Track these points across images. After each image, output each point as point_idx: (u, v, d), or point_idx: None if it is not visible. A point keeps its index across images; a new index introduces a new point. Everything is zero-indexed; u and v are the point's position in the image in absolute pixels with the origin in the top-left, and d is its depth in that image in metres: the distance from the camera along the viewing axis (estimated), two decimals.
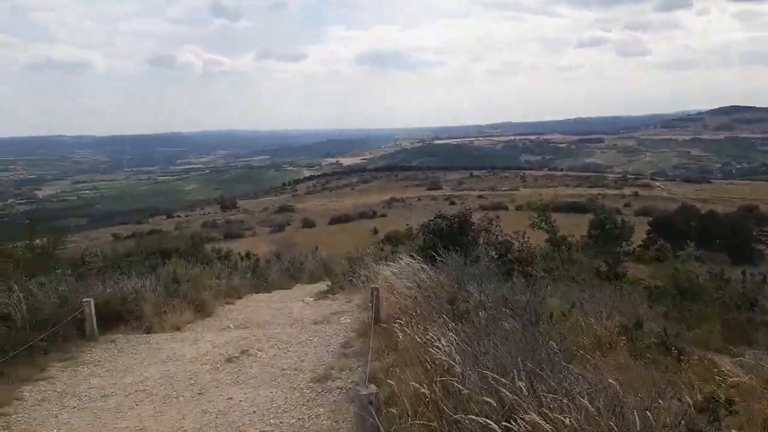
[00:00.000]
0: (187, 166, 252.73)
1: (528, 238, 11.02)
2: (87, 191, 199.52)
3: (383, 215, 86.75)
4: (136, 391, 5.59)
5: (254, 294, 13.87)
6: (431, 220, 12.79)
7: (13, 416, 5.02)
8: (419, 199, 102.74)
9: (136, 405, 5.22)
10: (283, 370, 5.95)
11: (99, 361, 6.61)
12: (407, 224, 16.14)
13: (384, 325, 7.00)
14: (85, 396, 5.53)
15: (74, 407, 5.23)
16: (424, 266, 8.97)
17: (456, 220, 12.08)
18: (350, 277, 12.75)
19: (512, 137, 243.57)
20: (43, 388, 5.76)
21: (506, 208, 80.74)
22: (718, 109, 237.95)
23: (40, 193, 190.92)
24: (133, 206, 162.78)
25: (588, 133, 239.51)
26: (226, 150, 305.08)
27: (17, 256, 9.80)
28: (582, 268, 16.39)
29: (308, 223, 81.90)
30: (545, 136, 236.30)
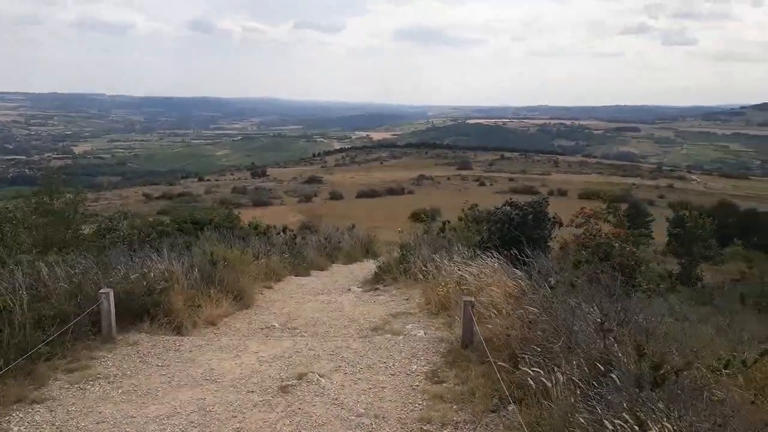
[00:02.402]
0: (219, 132, 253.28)
1: (628, 238, 9.19)
2: (121, 150, 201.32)
3: (410, 192, 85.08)
4: None
5: (293, 276, 12.42)
6: (498, 208, 10.95)
7: None
8: (448, 179, 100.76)
9: None
10: (359, 416, 4.31)
11: (115, 375, 5.06)
12: (465, 204, 14.34)
13: (477, 352, 5.35)
14: None
15: None
16: (515, 270, 7.26)
17: (530, 210, 10.24)
18: (403, 266, 11.11)
19: (547, 121, 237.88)
20: (38, 418, 4.23)
21: (537, 192, 78.50)
22: (762, 104, 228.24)
23: (76, 149, 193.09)
24: (165, 167, 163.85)
25: (625, 121, 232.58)
26: (259, 118, 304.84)
27: (30, 223, 8.29)
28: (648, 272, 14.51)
29: (336, 196, 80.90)
30: (581, 122, 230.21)
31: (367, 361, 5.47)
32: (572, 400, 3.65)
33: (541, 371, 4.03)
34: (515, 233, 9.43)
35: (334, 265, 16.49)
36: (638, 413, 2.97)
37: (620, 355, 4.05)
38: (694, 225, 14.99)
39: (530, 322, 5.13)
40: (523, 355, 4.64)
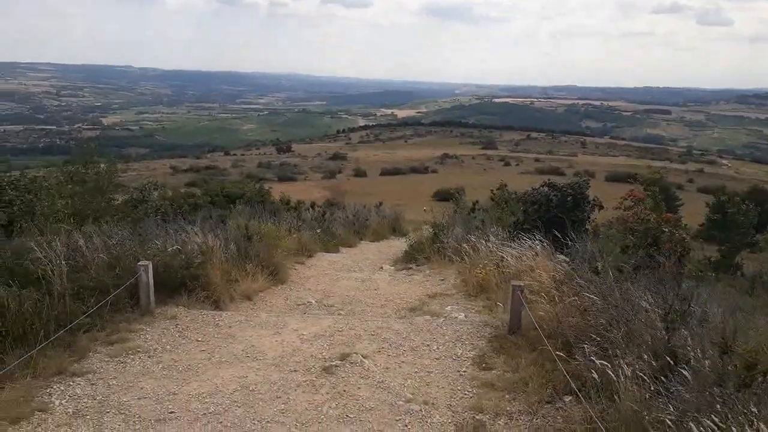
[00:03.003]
0: (245, 106, 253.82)
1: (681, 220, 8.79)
2: (149, 122, 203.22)
3: (434, 171, 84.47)
4: (204, 414, 3.88)
5: (325, 253, 12.28)
6: (536, 189, 10.61)
7: None
8: (473, 158, 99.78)
9: None
10: (408, 401, 4.12)
11: (155, 349, 4.94)
12: (501, 184, 13.99)
13: (525, 339, 5.11)
14: (134, 413, 3.86)
15: None
16: (558, 254, 6.98)
17: (570, 192, 9.89)
18: (437, 245, 10.87)
19: (575, 101, 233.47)
20: (78, 391, 4.12)
21: (563, 173, 77.23)
22: None
23: (105, 121, 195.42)
24: (192, 140, 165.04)
25: (655, 103, 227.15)
26: (285, 93, 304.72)
27: (65, 192, 8.21)
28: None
29: (360, 173, 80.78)
30: (609, 103, 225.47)
31: (410, 343, 5.27)
32: (645, 395, 3.40)
33: (606, 362, 3.77)
34: (556, 214, 9.11)
35: (362, 242, 16.37)
36: (728, 415, 2.70)
37: (690, 348, 3.78)
38: (736, 211, 14.42)
39: (584, 309, 4.87)
40: (580, 344, 4.40)
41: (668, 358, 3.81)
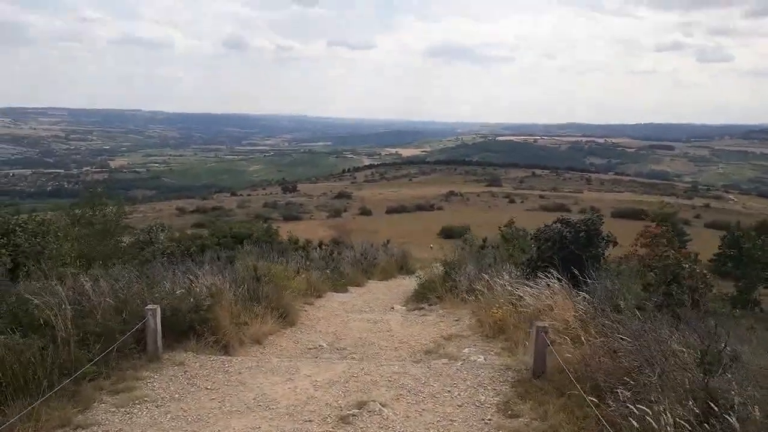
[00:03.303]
0: (251, 147, 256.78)
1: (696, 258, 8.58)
2: (156, 164, 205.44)
3: (440, 208, 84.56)
4: None
5: (334, 293, 12.08)
6: (548, 226, 10.42)
7: None
8: (478, 195, 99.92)
9: None
10: None
11: (162, 398, 4.70)
12: (508, 221, 13.86)
13: (551, 383, 4.85)
14: None
15: None
16: (577, 292, 6.77)
17: (583, 228, 9.70)
18: (449, 284, 10.65)
19: (578, 138, 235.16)
20: None
21: (569, 210, 77.05)
22: None
23: (113, 164, 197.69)
24: (198, 182, 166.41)
25: (659, 139, 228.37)
26: (291, 134, 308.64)
27: (72, 234, 8.09)
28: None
29: (365, 211, 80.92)
30: (613, 140, 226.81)
31: (429, 390, 5.02)
32: None
33: (646, 408, 3.53)
34: (572, 251, 8.89)
35: (370, 281, 16.21)
36: None
37: (735, 393, 3.54)
38: (752, 246, 14.16)
39: (614, 350, 4.62)
40: (611, 388, 4.15)
41: (710, 403, 3.58)
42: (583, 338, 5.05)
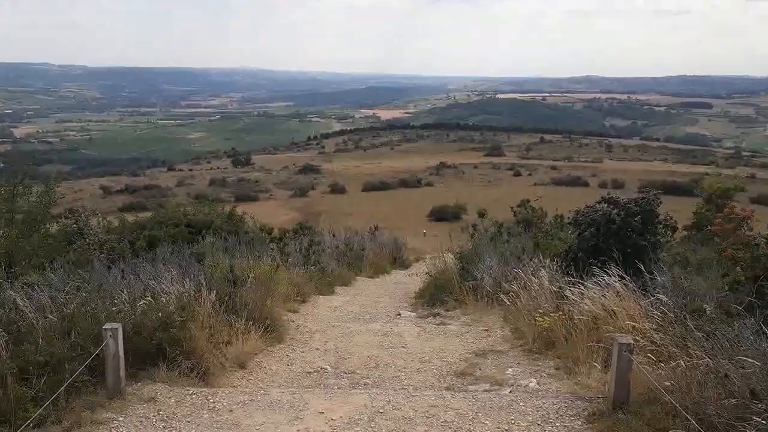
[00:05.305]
0: (192, 110, 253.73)
1: None
2: (73, 133, 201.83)
3: (429, 184, 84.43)
4: None
5: (320, 296, 11.86)
6: (590, 206, 10.21)
7: None
8: (475, 167, 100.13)
9: None
10: None
11: None
12: (535, 198, 13.64)
13: (639, 417, 4.63)
14: None
15: None
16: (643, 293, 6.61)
17: (636, 208, 9.49)
18: (470, 283, 10.44)
19: (596, 95, 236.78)
20: None
21: (586, 184, 77.43)
22: None
23: (16, 131, 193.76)
24: (127, 154, 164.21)
25: (693, 95, 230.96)
26: (241, 93, 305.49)
27: None
28: None
29: (337, 189, 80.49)
30: (638, 96, 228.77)
31: (481, 428, 4.76)
32: None
33: None
34: (635, 240, 8.70)
35: (359, 278, 16.10)
36: None
37: None
38: None
39: (725, 374, 4.41)
40: (729, 428, 3.94)
41: None
42: (682, 360, 4.81)
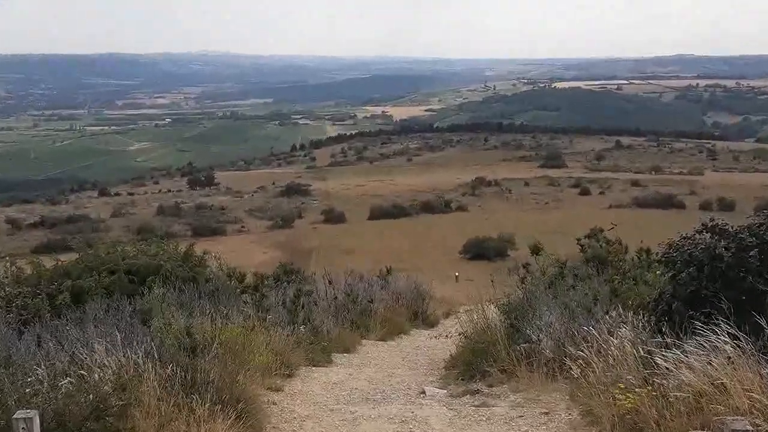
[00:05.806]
0: (133, 111, 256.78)
1: None
2: None
3: (462, 209, 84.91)
4: None
5: (311, 367, 11.98)
6: (687, 238, 10.25)
7: None
8: (526, 184, 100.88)
9: None
10: None
11: None
12: (611, 227, 13.75)
13: None
14: None
15: None
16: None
17: (753, 240, 9.51)
18: (521, 346, 10.53)
19: (691, 81, 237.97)
20: None
21: (682, 206, 77.59)
22: None
23: None
24: (43, 173, 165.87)
25: None
26: (201, 87, 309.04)
27: None
28: None
29: (334, 216, 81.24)
30: (751, 82, 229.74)
31: None
32: None
33: None
34: (745, 279, 8.72)
35: (366, 341, 16.21)
36: None
37: None
38: None
39: None
40: None
41: None
42: None
